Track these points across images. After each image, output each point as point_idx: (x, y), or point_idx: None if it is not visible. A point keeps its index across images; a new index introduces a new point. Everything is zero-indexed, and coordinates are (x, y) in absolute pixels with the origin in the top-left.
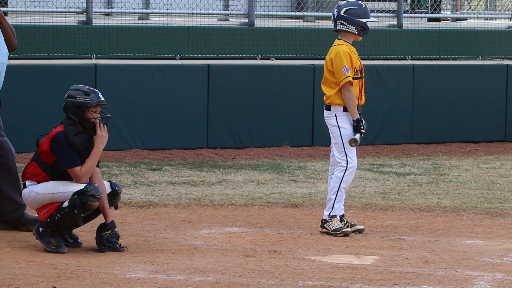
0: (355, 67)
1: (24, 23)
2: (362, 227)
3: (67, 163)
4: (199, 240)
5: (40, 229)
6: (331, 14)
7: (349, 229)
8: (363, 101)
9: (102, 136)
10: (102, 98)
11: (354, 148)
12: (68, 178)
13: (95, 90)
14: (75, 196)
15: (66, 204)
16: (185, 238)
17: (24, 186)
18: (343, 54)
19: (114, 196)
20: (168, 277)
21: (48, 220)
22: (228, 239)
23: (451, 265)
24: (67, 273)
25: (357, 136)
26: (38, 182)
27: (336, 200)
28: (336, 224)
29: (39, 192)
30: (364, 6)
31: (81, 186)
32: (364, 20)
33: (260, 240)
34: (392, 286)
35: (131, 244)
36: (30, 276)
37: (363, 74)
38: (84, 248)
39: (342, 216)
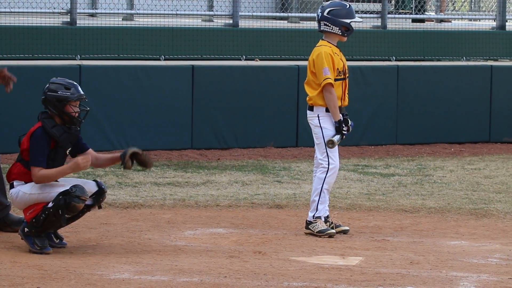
0: (338, 68)
1: (8, 24)
2: (346, 228)
3: (33, 160)
4: (183, 241)
5: (26, 229)
6: (315, 15)
7: (333, 231)
8: (346, 102)
9: (80, 164)
10: (82, 92)
11: (336, 148)
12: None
13: (75, 83)
14: (60, 197)
15: (50, 204)
16: (170, 239)
17: (12, 186)
18: (325, 55)
19: (99, 195)
20: (153, 278)
21: (34, 220)
22: (213, 240)
23: (435, 266)
24: (52, 274)
25: (335, 137)
26: (26, 182)
27: (319, 202)
28: (320, 225)
29: (26, 192)
30: (348, 6)
31: (66, 186)
32: (347, 21)
33: (245, 241)
34: (377, 287)
35: (116, 245)
36: (14, 277)
37: (347, 75)
38: (69, 249)
39: (327, 217)
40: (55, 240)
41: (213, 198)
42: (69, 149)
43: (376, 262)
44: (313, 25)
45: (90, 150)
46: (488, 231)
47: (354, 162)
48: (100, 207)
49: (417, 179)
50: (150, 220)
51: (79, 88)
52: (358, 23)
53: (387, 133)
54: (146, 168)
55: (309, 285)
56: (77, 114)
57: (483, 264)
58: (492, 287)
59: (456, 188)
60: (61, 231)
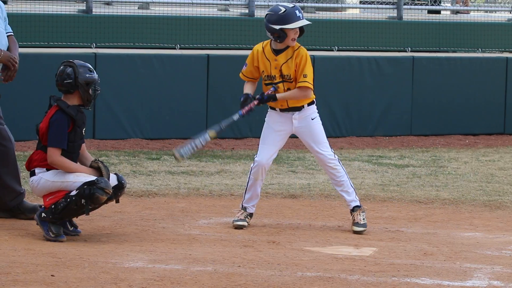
0: (263, 71)
1: (25, 12)
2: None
3: (52, 141)
4: (197, 230)
5: (43, 214)
6: (331, 5)
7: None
8: (282, 105)
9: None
10: None
11: (264, 143)
12: (72, 159)
13: (90, 65)
14: (85, 186)
15: (74, 192)
16: (184, 228)
17: (33, 174)
18: (252, 51)
19: (118, 190)
20: (166, 267)
21: (53, 206)
22: (227, 229)
23: (449, 258)
24: (66, 261)
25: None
26: (48, 169)
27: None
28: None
29: (49, 179)
30: (283, 11)
31: (92, 177)
32: (276, 27)
33: (259, 230)
34: (391, 277)
35: (130, 234)
36: (28, 264)
37: (279, 80)
38: (83, 237)
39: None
40: (69, 227)
41: (227, 187)
42: (84, 129)
43: (390, 253)
44: (329, 15)
45: (84, 143)
46: (502, 222)
47: (368, 153)
48: (117, 201)
49: (431, 170)
50: (164, 209)
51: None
52: (294, 28)
53: (401, 124)
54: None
55: (323, 275)
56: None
57: (497, 256)
58: (506, 279)
59: (470, 179)
60: (75, 220)
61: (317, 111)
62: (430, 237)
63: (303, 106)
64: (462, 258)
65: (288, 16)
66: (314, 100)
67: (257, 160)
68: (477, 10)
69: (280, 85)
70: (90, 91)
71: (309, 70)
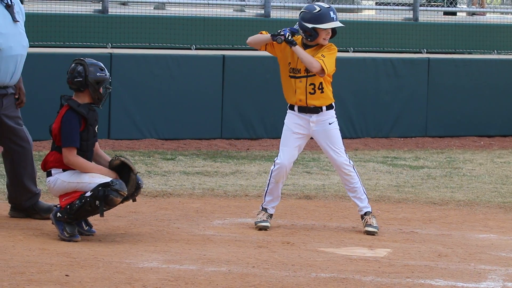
0: (289, 63)
1: (41, 11)
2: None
3: (66, 140)
4: (212, 230)
5: (58, 214)
6: (347, 6)
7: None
8: (300, 100)
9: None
10: None
11: (285, 145)
12: (86, 158)
13: (101, 63)
14: (99, 188)
15: (88, 194)
16: (198, 228)
17: (50, 175)
18: None
19: (135, 190)
20: (181, 267)
21: (68, 207)
22: (241, 230)
23: (464, 259)
24: (80, 261)
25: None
26: (64, 169)
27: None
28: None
29: (65, 180)
30: (317, 10)
31: (107, 179)
32: (309, 26)
33: (273, 231)
34: (405, 279)
35: (144, 234)
36: (43, 264)
37: (304, 74)
38: (97, 237)
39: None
40: (84, 227)
41: (242, 188)
42: (97, 127)
43: (404, 254)
44: (345, 16)
45: (97, 141)
46: None
47: (383, 154)
48: (134, 200)
49: (446, 171)
50: (179, 209)
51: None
52: (328, 28)
53: (417, 126)
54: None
55: (337, 276)
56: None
57: None
58: None
59: (485, 181)
60: (90, 219)
61: (335, 116)
62: (445, 239)
63: (321, 109)
64: (476, 260)
65: (322, 16)
66: (333, 105)
67: (279, 162)
68: (493, 12)
69: (303, 79)
70: (101, 90)
71: (328, 58)
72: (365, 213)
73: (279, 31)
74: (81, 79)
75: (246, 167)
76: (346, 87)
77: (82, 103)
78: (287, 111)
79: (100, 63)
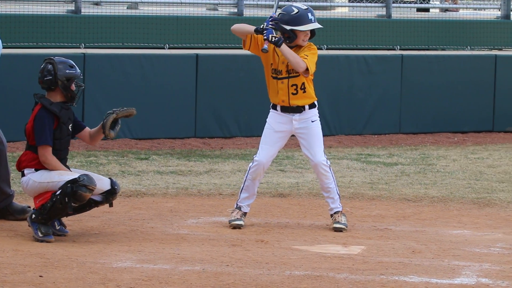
0: (271, 63)
1: (13, 12)
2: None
3: (39, 139)
4: (186, 229)
5: (33, 216)
6: (320, 3)
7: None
8: (283, 101)
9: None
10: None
11: (265, 143)
12: (60, 156)
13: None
14: (68, 185)
15: (58, 192)
16: (172, 228)
17: (23, 175)
18: None
19: (110, 194)
20: (155, 267)
21: (41, 207)
22: (215, 229)
23: (438, 255)
24: (54, 262)
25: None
26: (37, 169)
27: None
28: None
29: (36, 180)
30: (295, 12)
31: (75, 175)
32: (287, 27)
33: (247, 229)
34: (379, 276)
35: (118, 234)
36: (17, 265)
37: (285, 75)
38: (71, 237)
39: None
40: (56, 226)
41: (216, 187)
42: (70, 125)
43: (378, 251)
44: (318, 14)
45: (87, 128)
46: (491, 220)
47: (357, 151)
48: (111, 205)
49: (420, 168)
50: (153, 208)
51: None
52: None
53: (390, 122)
54: (131, 115)
55: (311, 274)
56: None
57: (486, 253)
58: (494, 276)
59: (459, 177)
60: (64, 220)
61: (318, 114)
62: (419, 235)
63: (304, 108)
64: (450, 256)
65: (300, 18)
66: (316, 103)
67: (257, 159)
68: (466, 8)
69: (285, 80)
70: (73, 87)
71: (311, 57)
72: (335, 212)
73: (262, 26)
74: (50, 77)
75: (220, 166)
76: (320, 84)
77: (55, 101)
78: (270, 110)
79: (71, 61)
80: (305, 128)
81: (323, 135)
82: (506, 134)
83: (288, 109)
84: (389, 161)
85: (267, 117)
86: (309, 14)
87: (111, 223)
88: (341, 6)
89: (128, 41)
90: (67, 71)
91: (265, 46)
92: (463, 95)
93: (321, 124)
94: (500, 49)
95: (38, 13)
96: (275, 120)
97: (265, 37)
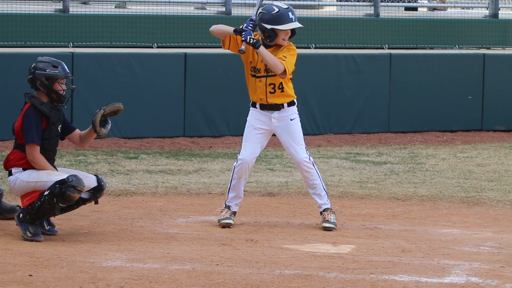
0: (250, 61)
1: (1, 11)
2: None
3: (27, 137)
4: (175, 228)
5: (21, 215)
6: (308, 2)
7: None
8: (261, 99)
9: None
10: (68, 70)
11: (247, 141)
12: (48, 157)
13: (61, 62)
14: (56, 185)
15: (46, 192)
16: (162, 227)
17: (10, 174)
18: None
19: (97, 191)
20: (144, 266)
21: (29, 207)
22: (205, 228)
23: (427, 254)
24: (44, 261)
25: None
26: (24, 168)
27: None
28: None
29: (24, 179)
30: (276, 11)
31: (64, 176)
32: (268, 27)
33: (237, 228)
34: (369, 275)
35: (108, 233)
36: (6, 264)
37: (264, 74)
38: (61, 236)
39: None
40: (45, 226)
41: (205, 186)
42: (60, 126)
43: (368, 250)
44: (306, 13)
45: (77, 130)
46: (480, 219)
47: (346, 150)
48: (96, 203)
49: (409, 167)
50: (142, 207)
51: (65, 66)
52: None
53: (379, 121)
54: (119, 111)
55: (301, 273)
56: (63, 92)
57: (475, 252)
58: (483, 275)
59: (448, 176)
60: (53, 219)
61: (297, 112)
62: (408, 234)
63: (282, 106)
64: (440, 255)
65: (281, 17)
66: (295, 101)
67: (241, 158)
68: (454, 6)
69: (263, 79)
70: (57, 87)
71: (290, 59)
72: (324, 210)
73: (241, 26)
74: (31, 76)
75: (209, 165)
76: (308, 83)
77: (45, 101)
78: (250, 108)
79: (57, 61)
80: (284, 127)
81: (313, 134)
82: (494, 133)
83: (267, 107)
84: (378, 160)
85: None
86: (290, 13)
87: (100, 222)
88: (329, 5)
89: (117, 40)
90: (47, 70)
91: (243, 47)
92: (451, 94)
93: (310, 123)
94: (489, 48)
95: (26, 12)
96: (254, 118)
97: (243, 39)
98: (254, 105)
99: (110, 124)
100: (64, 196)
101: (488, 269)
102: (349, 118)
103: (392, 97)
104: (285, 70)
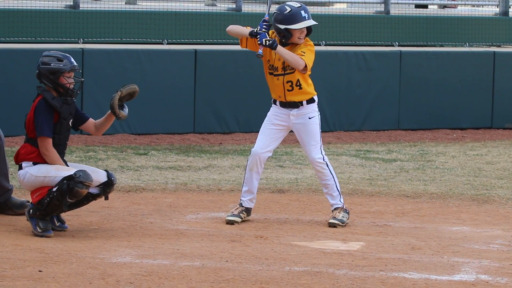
0: (268, 60)
1: (12, 7)
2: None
3: (39, 130)
4: (185, 225)
5: (31, 211)
6: (320, 0)
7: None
8: (279, 97)
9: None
10: (75, 63)
11: (261, 134)
12: (59, 151)
13: (68, 55)
14: (64, 181)
15: (55, 188)
16: (172, 223)
17: (20, 168)
18: None
19: (107, 187)
20: (154, 262)
21: (39, 203)
22: (215, 224)
23: (437, 252)
24: (54, 257)
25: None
26: (34, 162)
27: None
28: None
29: (33, 174)
30: (288, 11)
31: (72, 171)
32: (282, 27)
33: (247, 225)
34: (379, 272)
35: (117, 229)
36: (16, 260)
37: (281, 72)
38: (70, 232)
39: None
40: (56, 222)
41: (215, 182)
42: (71, 120)
43: (377, 247)
44: (317, 10)
45: (91, 119)
46: (490, 217)
47: (356, 147)
48: (106, 198)
49: (419, 164)
50: (152, 204)
51: (72, 59)
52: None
53: (389, 119)
54: (135, 93)
55: (311, 270)
56: (71, 86)
57: (485, 250)
58: (493, 273)
59: (458, 174)
60: (63, 215)
61: (317, 110)
62: (418, 231)
63: (301, 103)
64: (449, 252)
65: (293, 17)
66: (315, 98)
67: (253, 150)
68: (465, 4)
69: (281, 77)
70: (63, 81)
71: (309, 54)
72: (335, 208)
73: (255, 30)
74: (37, 71)
75: (219, 161)
76: (318, 80)
77: (55, 96)
78: (272, 105)
79: (63, 54)
80: (302, 124)
81: (322, 131)
82: (504, 131)
83: (286, 104)
84: (388, 157)
85: (266, 113)
86: (302, 12)
87: (110, 218)
88: (340, 2)
89: (127, 36)
90: (51, 64)
91: (260, 51)
92: (461, 92)
93: (320, 120)
94: (499, 46)
95: (37, 8)
96: (273, 114)
97: (259, 42)
98: (274, 102)
99: (127, 108)
100: (72, 192)
101: (498, 267)
102: (359, 115)
103: (402, 95)
104: (306, 66)
